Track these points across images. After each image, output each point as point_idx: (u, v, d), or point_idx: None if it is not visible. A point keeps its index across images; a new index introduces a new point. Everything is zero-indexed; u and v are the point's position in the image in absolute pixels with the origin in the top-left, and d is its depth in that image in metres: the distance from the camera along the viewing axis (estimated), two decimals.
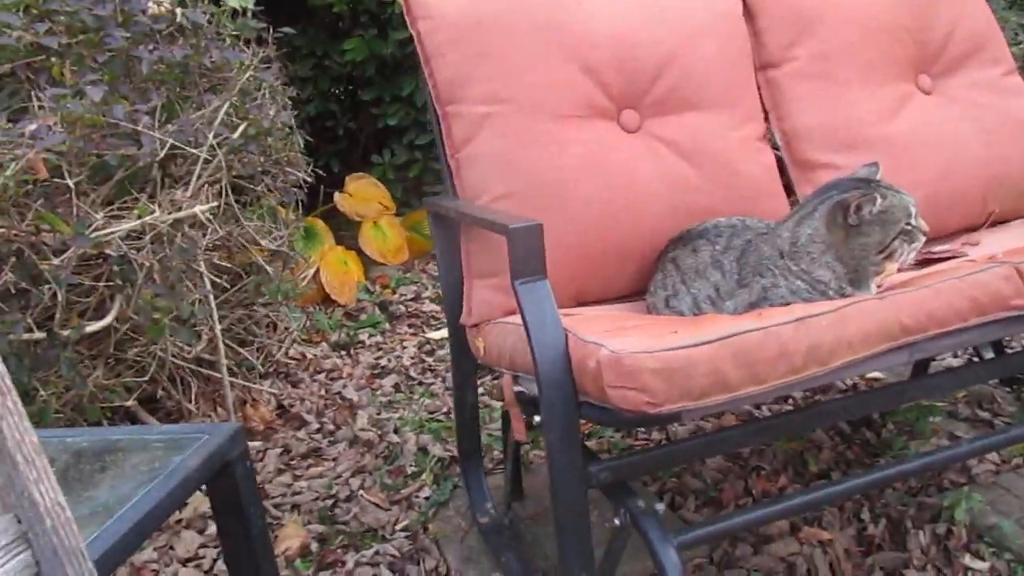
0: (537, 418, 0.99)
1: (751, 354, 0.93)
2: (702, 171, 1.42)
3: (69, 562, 0.67)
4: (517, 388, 1.19)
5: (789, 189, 1.58)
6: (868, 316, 1.03)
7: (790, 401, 1.89)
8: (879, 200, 1.13)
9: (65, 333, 1.41)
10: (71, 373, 1.37)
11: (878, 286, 1.18)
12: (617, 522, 1.05)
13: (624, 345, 0.91)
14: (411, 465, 1.78)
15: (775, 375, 0.95)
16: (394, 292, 3.02)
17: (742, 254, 1.20)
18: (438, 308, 2.84)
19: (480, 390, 1.69)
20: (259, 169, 2.00)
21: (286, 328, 2.40)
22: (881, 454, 1.73)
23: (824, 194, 1.19)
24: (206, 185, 1.81)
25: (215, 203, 1.75)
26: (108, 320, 1.53)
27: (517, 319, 1.20)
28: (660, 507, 1.06)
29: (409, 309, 2.84)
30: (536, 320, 0.98)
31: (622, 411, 0.92)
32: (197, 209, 1.69)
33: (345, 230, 3.22)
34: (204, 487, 0.96)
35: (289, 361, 2.36)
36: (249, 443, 1.98)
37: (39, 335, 1.39)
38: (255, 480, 1.01)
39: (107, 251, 1.49)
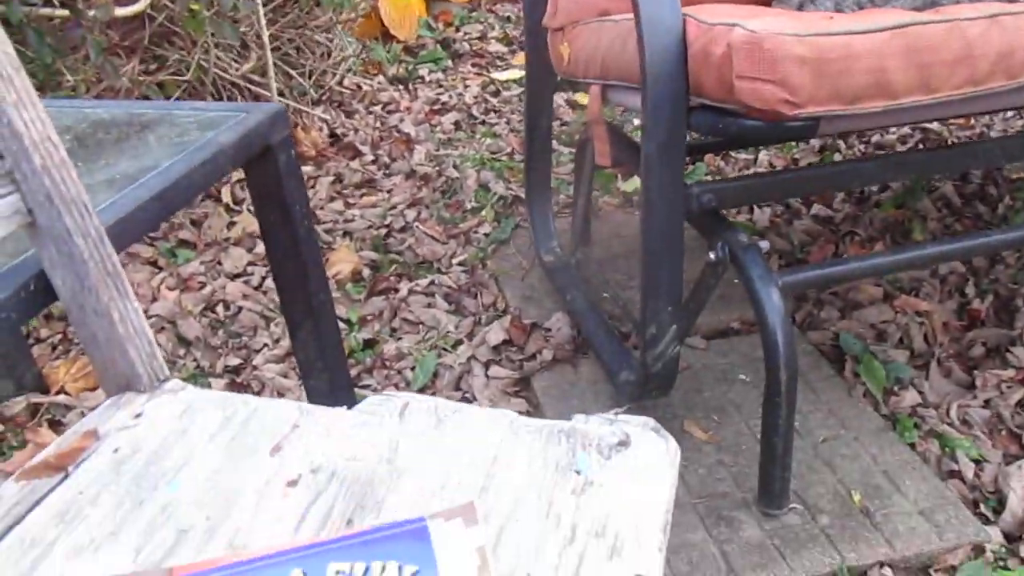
0: (636, 121, 0.81)
1: (927, 53, 0.72)
2: None
3: (68, 212, 0.55)
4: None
5: None
6: None
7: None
8: None
9: (91, 12, 1.24)
10: (99, 58, 1.22)
11: None
12: (712, 256, 0.90)
13: (765, 25, 0.70)
14: (470, 201, 1.65)
15: (950, 84, 0.74)
16: (458, 30, 2.75)
17: None
18: (505, 49, 2.58)
19: None
20: None
21: (342, 56, 2.19)
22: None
23: None
24: None
25: None
26: (140, 6, 1.35)
27: (614, 16, 0.99)
28: (764, 244, 0.90)
29: (474, 48, 2.59)
30: None
31: (748, 112, 0.73)
32: None
33: None
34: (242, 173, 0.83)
35: (344, 90, 2.18)
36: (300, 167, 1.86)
37: (61, 12, 1.22)
38: (301, 174, 0.88)
39: None
